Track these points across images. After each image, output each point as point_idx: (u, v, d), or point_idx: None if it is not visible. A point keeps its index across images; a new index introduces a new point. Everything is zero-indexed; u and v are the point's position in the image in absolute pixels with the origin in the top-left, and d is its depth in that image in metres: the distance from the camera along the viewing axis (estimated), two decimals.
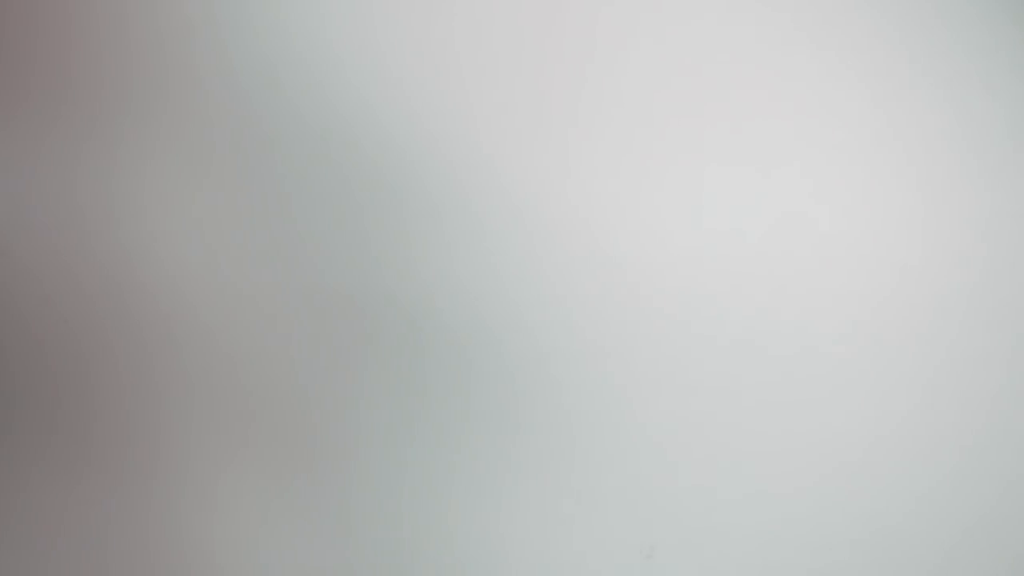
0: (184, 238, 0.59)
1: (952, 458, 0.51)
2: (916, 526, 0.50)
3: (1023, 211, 0.58)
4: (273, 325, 0.55)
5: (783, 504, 0.50)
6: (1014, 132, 0.61)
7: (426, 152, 0.59)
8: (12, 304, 0.57)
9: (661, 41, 0.65)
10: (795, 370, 0.54)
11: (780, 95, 0.63)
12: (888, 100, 0.62)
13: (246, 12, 0.66)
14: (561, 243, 0.57)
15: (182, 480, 0.51)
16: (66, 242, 0.59)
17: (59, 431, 0.53)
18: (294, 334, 0.55)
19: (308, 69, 0.64)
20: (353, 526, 0.52)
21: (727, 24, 0.66)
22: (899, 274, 0.56)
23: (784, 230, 0.57)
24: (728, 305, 0.55)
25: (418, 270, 0.55)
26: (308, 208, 0.58)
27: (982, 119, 0.61)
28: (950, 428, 0.52)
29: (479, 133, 0.60)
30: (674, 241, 0.57)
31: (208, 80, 0.64)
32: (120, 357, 0.55)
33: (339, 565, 0.52)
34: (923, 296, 0.56)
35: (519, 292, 0.56)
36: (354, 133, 0.62)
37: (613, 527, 0.50)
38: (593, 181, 0.58)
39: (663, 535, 0.50)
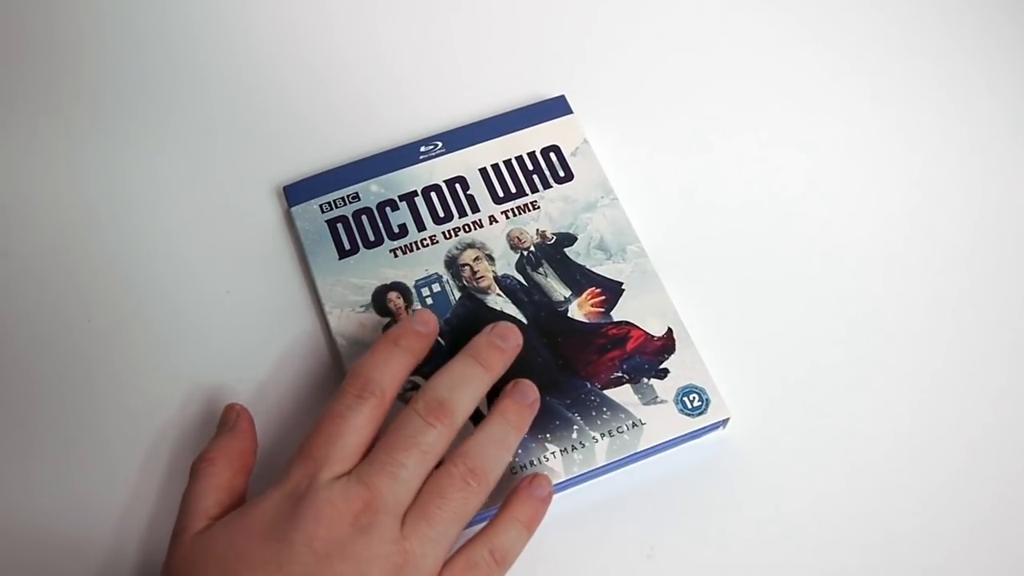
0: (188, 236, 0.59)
1: (953, 458, 0.51)
2: (917, 526, 0.49)
3: (1022, 211, 0.58)
4: None
5: (783, 504, 0.50)
6: (1015, 132, 0.61)
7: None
8: (14, 303, 0.56)
9: (663, 19, 0.65)
10: (797, 368, 0.54)
11: (781, 92, 0.63)
12: (889, 98, 0.62)
13: (248, 11, 0.66)
14: None
15: None
16: (70, 241, 0.59)
17: (58, 431, 0.53)
18: None
19: (310, 68, 0.64)
20: None
21: (732, 16, 0.66)
22: (899, 273, 0.56)
23: (784, 229, 0.57)
24: (731, 304, 0.55)
25: None
26: None
27: (984, 118, 0.61)
28: (951, 428, 0.52)
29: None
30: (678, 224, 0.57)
31: (211, 77, 0.64)
32: (120, 354, 0.55)
33: None
34: (923, 296, 0.55)
35: None
36: (360, 127, 0.62)
37: (614, 526, 0.50)
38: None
39: (663, 534, 0.50)
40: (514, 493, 0.46)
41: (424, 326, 0.48)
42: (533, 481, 0.46)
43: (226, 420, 0.49)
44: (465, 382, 0.46)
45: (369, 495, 0.41)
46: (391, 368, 0.45)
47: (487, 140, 0.58)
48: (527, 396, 0.47)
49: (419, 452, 0.43)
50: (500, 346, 0.47)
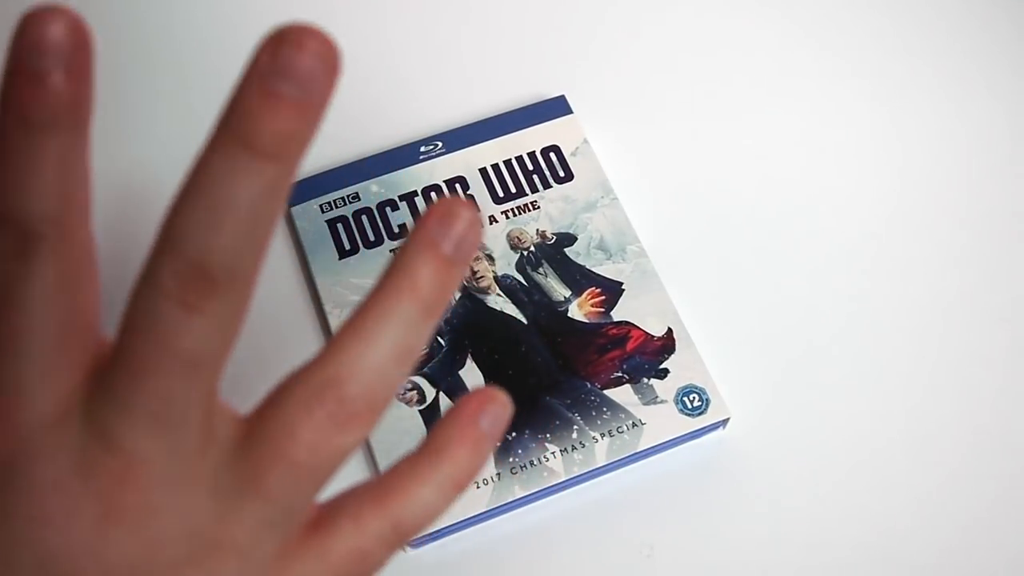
0: None
1: (952, 458, 0.51)
2: (916, 525, 0.49)
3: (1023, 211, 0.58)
4: None
5: (783, 503, 0.50)
6: (1015, 132, 0.61)
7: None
8: None
9: (663, 19, 0.65)
10: (797, 368, 0.54)
11: (781, 92, 0.63)
12: (889, 98, 0.62)
13: (250, 10, 0.66)
14: None
15: None
16: None
17: None
18: None
19: None
20: None
21: (732, 17, 0.66)
22: (899, 273, 0.56)
23: (784, 229, 0.57)
24: (731, 304, 0.55)
25: None
26: None
27: (983, 118, 0.61)
28: (950, 427, 0.52)
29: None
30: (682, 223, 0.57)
31: (212, 76, 0.64)
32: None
33: None
34: (922, 295, 0.56)
35: None
36: (360, 126, 0.62)
37: (614, 526, 0.50)
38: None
39: (663, 534, 0.50)
40: (448, 425, 0.26)
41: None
42: (485, 406, 0.26)
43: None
44: (232, 203, 0.21)
45: (122, 464, 0.22)
46: (58, 172, 0.22)
47: (487, 140, 0.58)
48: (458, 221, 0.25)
49: (181, 367, 0.22)
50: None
